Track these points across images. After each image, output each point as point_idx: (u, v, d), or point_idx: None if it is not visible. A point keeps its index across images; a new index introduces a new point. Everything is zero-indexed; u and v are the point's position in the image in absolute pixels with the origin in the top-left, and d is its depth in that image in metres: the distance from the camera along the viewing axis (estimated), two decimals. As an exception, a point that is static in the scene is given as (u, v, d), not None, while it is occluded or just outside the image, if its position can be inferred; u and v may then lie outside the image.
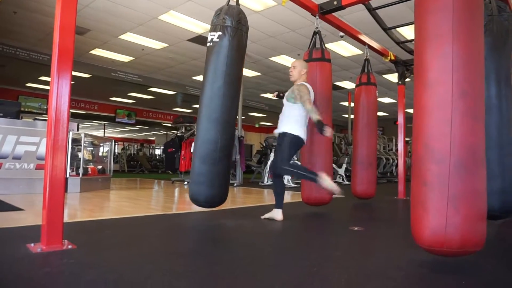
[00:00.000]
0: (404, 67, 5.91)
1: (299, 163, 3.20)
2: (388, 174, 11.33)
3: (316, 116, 2.91)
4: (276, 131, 3.24)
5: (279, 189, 3.22)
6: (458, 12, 1.80)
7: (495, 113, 2.84)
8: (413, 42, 5.96)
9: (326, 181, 2.98)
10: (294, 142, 3.11)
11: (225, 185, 3.12)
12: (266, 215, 3.21)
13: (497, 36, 2.86)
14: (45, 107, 12.87)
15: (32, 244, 1.95)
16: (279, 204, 3.18)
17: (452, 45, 1.79)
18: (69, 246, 1.97)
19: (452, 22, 1.80)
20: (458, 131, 1.74)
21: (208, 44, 3.07)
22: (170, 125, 16.81)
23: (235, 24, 2.98)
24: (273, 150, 8.73)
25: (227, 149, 3.05)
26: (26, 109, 12.63)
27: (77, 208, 3.87)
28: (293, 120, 3.13)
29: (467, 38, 1.80)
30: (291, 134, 3.10)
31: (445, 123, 1.76)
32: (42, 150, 4.93)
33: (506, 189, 2.80)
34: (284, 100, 3.27)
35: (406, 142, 6.10)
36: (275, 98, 3.64)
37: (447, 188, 1.73)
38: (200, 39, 8.07)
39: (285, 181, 7.89)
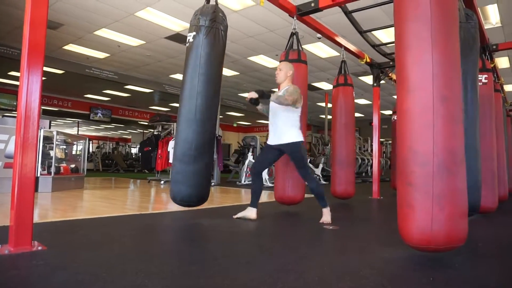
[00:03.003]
0: (379, 70, 6.06)
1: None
2: (363, 174, 11.58)
3: (275, 95, 2.89)
4: (276, 141, 3.11)
5: (257, 188, 3.21)
6: (436, 21, 1.89)
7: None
8: (388, 45, 6.06)
9: (328, 214, 3.16)
10: (304, 148, 3.15)
11: (204, 184, 3.11)
12: (239, 214, 3.20)
13: (464, 42, 2.98)
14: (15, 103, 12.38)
15: (-1, 245, 1.88)
16: (254, 203, 3.17)
17: (431, 52, 1.88)
18: (39, 248, 1.92)
19: (430, 30, 1.88)
20: (440, 135, 1.84)
21: (186, 45, 3.12)
22: (146, 123, 16.53)
23: (208, 22, 3.00)
24: (251, 149, 8.76)
25: (203, 148, 3.05)
26: (-6, 105, 12.14)
27: (49, 208, 3.75)
28: (292, 125, 3.08)
29: (445, 46, 1.90)
30: (298, 142, 3.07)
31: (427, 127, 1.86)
32: (11, 148, 4.75)
33: (469, 190, 2.94)
34: (275, 104, 3.08)
35: (380, 143, 6.25)
36: (249, 101, 2.99)
37: (431, 188, 1.82)
38: (177, 37, 7.98)
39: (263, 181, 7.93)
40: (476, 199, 3.09)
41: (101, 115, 16.07)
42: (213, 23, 3.01)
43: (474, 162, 3.03)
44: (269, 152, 3.22)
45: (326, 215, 3.16)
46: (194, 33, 3.03)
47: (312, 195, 3.24)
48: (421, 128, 1.88)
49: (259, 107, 3.18)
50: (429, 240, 1.82)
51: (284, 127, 3.08)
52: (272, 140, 3.17)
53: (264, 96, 2.94)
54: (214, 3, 3.14)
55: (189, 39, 3.09)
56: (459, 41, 1.99)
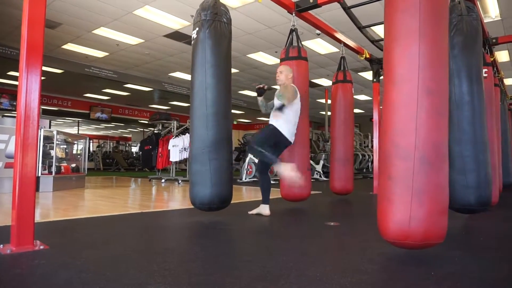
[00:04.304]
0: (378, 65, 6.04)
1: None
2: (364, 170, 11.58)
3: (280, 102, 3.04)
4: None
5: (265, 184, 3.28)
6: (425, 13, 1.86)
7: (468, 109, 2.91)
8: (387, 40, 5.97)
9: (283, 168, 2.88)
10: (274, 134, 3.14)
11: (224, 184, 2.94)
12: (254, 211, 3.27)
13: (467, 35, 2.94)
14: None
15: (1, 245, 1.88)
16: (265, 199, 3.25)
17: (418, 44, 1.84)
18: (41, 247, 1.92)
19: (419, 23, 1.85)
20: (423, 128, 1.79)
21: (191, 44, 3.09)
22: (146, 122, 16.54)
23: (210, 16, 2.96)
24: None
25: (219, 144, 2.91)
26: (-6, 106, 12.15)
27: (50, 208, 3.76)
28: (281, 117, 3.17)
29: (433, 38, 1.86)
30: (275, 127, 3.14)
31: (410, 119, 1.81)
32: (11, 148, 4.75)
33: (481, 184, 2.90)
34: (275, 100, 3.28)
35: (380, 139, 6.24)
36: (258, 90, 3.35)
37: (411, 183, 1.78)
38: (176, 35, 7.97)
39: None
40: (488, 194, 2.96)
41: (105, 116, 16.08)
42: (215, 16, 2.96)
43: (484, 156, 2.93)
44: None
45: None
46: (197, 28, 2.97)
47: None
48: (403, 120, 1.83)
49: (261, 98, 3.37)
50: (406, 235, 1.78)
51: (276, 117, 3.18)
52: None
53: (263, 93, 3.32)
54: None
55: (193, 37, 3.02)
56: (447, 34, 1.96)
